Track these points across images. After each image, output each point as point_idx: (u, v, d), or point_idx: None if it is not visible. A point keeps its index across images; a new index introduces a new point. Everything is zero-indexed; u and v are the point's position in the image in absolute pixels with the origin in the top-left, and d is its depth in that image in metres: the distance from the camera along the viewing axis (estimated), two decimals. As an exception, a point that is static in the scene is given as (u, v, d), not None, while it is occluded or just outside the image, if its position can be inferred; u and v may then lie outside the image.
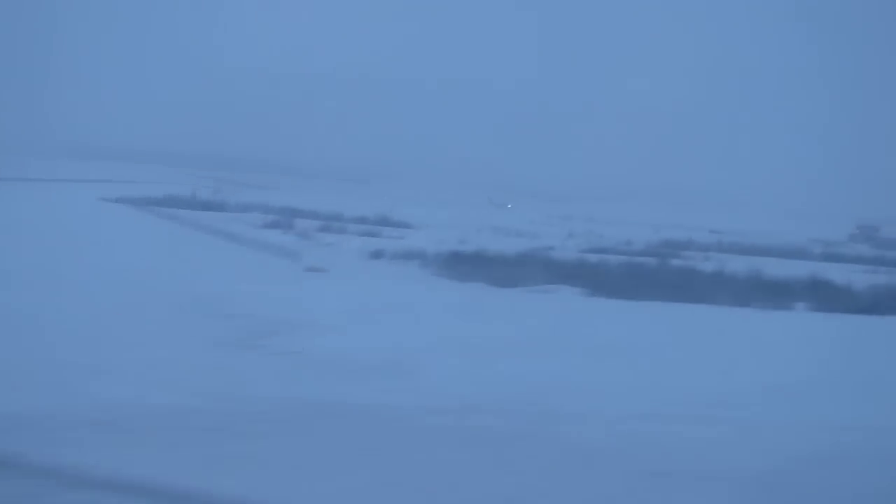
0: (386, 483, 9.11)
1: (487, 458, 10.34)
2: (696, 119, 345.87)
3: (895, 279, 54.90)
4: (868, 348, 26.40)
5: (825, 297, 44.21)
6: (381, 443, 10.87)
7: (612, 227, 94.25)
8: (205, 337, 20.09)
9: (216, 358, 18.09)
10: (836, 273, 52.81)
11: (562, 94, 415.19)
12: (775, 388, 17.71)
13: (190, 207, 68.98)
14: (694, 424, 13.08)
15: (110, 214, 58.37)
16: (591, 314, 30.52)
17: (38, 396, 12.09)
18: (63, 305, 22.12)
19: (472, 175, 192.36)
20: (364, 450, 10.42)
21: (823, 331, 32.61)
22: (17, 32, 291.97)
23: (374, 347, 19.87)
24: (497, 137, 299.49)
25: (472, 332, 22.49)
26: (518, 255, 49.62)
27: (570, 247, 66.10)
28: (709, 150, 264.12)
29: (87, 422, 10.67)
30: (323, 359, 18.61)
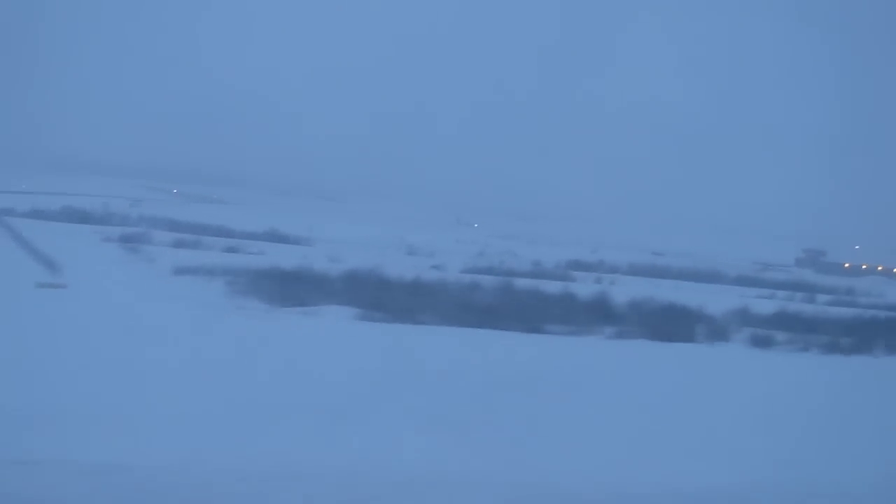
0: None
1: None
2: (692, 141, 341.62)
3: (771, 305, 51.51)
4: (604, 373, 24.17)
5: (653, 323, 40.95)
6: None
7: (542, 248, 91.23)
8: None
9: None
10: (710, 298, 49.42)
11: (561, 112, 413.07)
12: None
13: (61, 220, 67.57)
14: None
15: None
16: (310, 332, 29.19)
17: None
18: None
19: (461, 195, 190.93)
20: None
21: (568, 355, 29.48)
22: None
23: None
24: (490, 158, 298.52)
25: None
26: (344, 274, 47.04)
27: (453, 267, 63.41)
28: (703, 172, 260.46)
29: None
30: None
